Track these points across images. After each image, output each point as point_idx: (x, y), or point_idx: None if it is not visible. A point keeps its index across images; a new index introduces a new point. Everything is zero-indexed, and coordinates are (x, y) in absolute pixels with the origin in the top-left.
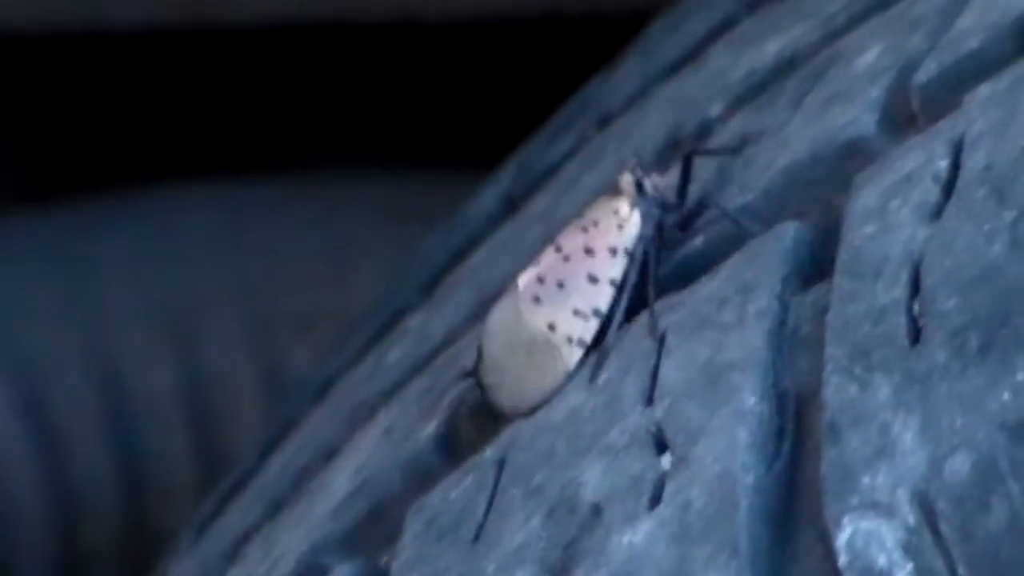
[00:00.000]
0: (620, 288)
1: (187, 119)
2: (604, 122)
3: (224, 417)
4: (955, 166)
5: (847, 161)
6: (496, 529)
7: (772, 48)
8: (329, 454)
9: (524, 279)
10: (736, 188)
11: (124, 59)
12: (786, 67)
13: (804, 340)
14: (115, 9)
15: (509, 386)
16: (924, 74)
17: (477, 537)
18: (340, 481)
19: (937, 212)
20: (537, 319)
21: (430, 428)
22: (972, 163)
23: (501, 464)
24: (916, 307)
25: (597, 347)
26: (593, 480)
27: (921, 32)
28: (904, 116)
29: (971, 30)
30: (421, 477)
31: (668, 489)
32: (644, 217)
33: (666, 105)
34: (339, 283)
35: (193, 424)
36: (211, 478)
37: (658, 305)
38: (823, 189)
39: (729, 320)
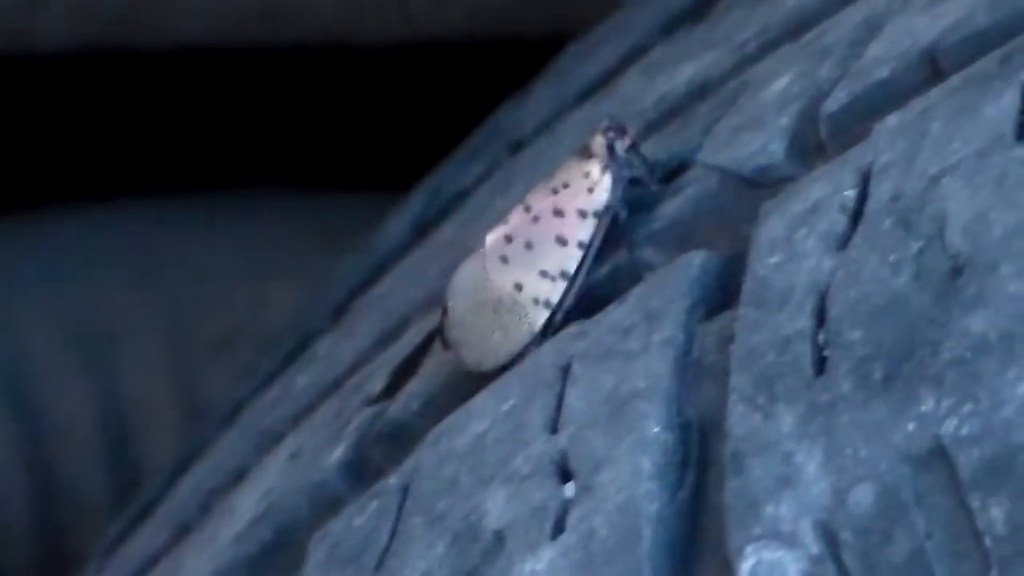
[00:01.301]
0: (587, 250)
1: (107, 140)
2: (516, 148)
3: (142, 439)
4: (862, 196)
5: (755, 189)
6: (399, 557)
7: (684, 75)
8: (237, 478)
9: (491, 237)
10: (644, 215)
11: (46, 80)
12: (697, 94)
13: (709, 369)
14: (40, 30)
15: (474, 344)
16: (834, 103)
17: (380, 565)
18: (246, 505)
19: (844, 242)
20: (504, 278)
21: (336, 454)
22: (879, 193)
23: (405, 491)
24: (821, 337)
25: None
26: (496, 508)
27: (831, 61)
28: (813, 145)
29: (881, 59)
30: (326, 503)
31: (572, 518)
32: (615, 180)
33: (578, 131)
34: (257, 305)
35: (111, 446)
36: (128, 501)
37: (564, 334)
38: (731, 217)
39: (634, 349)
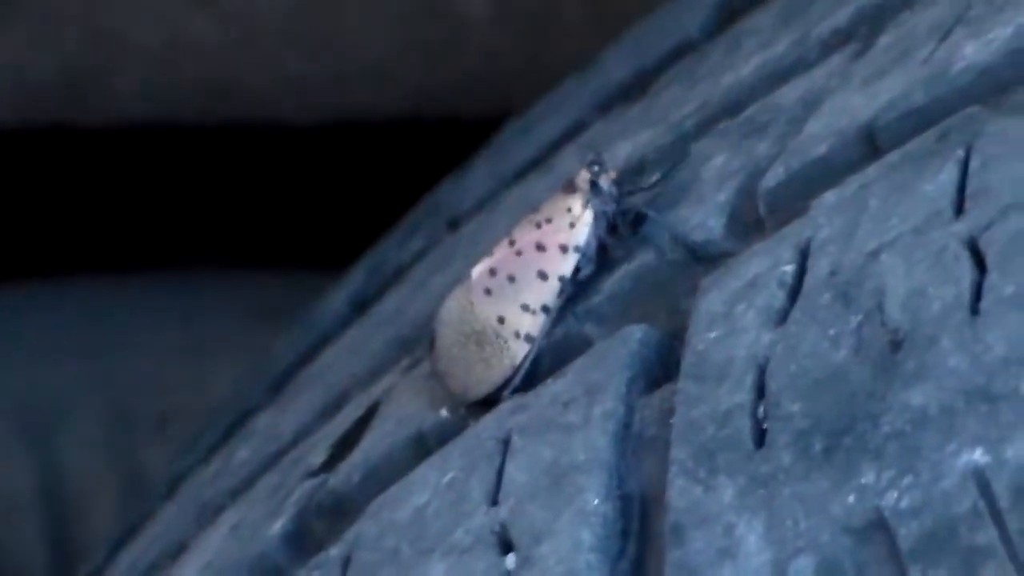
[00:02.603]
0: (567, 284)
1: (47, 218)
2: (454, 224)
3: (81, 515)
4: (801, 271)
5: (694, 264)
6: None
7: (621, 152)
8: (177, 551)
9: (477, 270)
10: (584, 291)
11: None
12: (636, 171)
13: (649, 442)
14: None
15: (459, 375)
16: (772, 179)
17: None
18: None
19: (782, 317)
20: (488, 311)
21: (278, 526)
22: (818, 268)
23: (347, 562)
24: (761, 411)
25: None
26: None
27: (769, 138)
28: (752, 221)
29: (819, 136)
30: (268, 575)
31: None
32: (597, 216)
33: (515, 209)
34: (196, 382)
35: (51, 520)
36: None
37: (503, 407)
38: (670, 292)
39: (575, 421)
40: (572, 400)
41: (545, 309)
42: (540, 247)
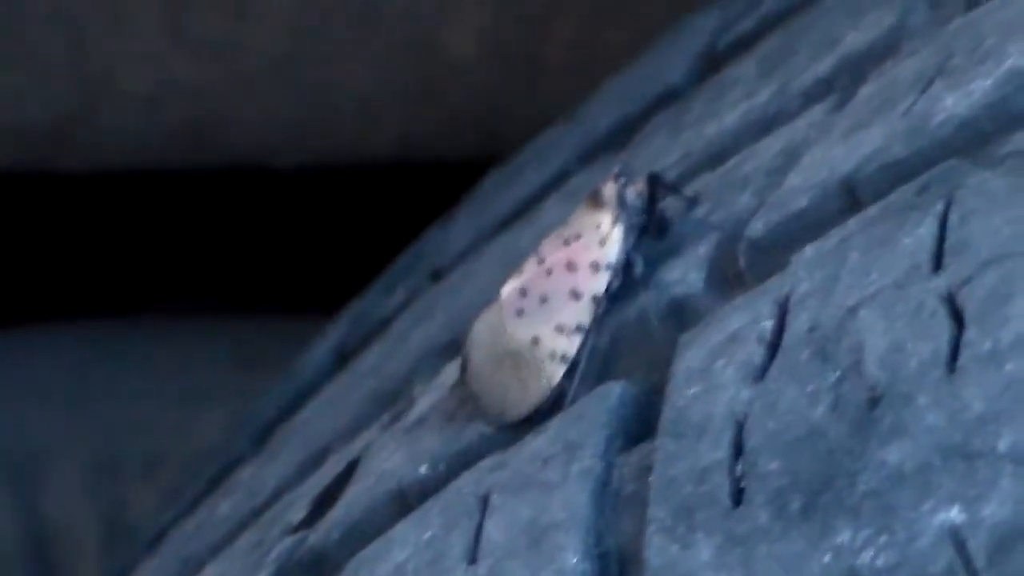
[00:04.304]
0: (601, 302)
1: (34, 264)
2: (436, 275)
3: (66, 562)
4: (780, 326)
5: (674, 319)
6: None
7: None
8: None
9: (507, 290)
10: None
11: None
12: None
13: (628, 500)
14: None
15: (495, 396)
16: (752, 232)
17: None
18: None
19: (761, 373)
20: (521, 332)
21: None
22: (797, 324)
23: None
24: (739, 468)
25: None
26: None
27: (750, 190)
28: (732, 274)
29: (799, 189)
30: None
31: None
32: (627, 230)
33: (498, 260)
34: (183, 429)
35: (34, 569)
36: None
37: (483, 464)
38: (650, 348)
39: (553, 479)
40: (551, 457)
41: (580, 329)
42: (571, 266)
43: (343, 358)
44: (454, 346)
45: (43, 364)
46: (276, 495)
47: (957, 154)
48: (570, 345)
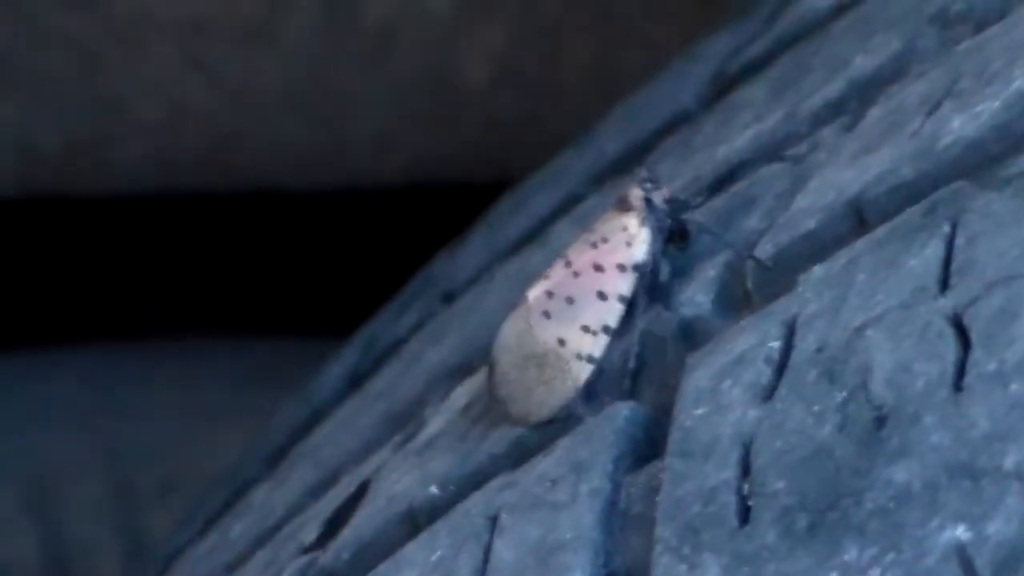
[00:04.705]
0: (629, 304)
1: (49, 287)
2: (449, 298)
3: None
4: (787, 347)
5: (682, 341)
6: None
7: None
8: None
9: (534, 293)
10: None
11: None
12: None
13: (636, 520)
14: None
15: (520, 399)
16: (760, 254)
17: None
18: None
19: (769, 393)
20: (547, 334)
21: None
22: (804, 344)
23: None
24: (746, 488)
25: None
26: None
27: (759, 212)
28: (740, 296)
29: (807, 210)
30: None
31: None
32: (654, 232)
33: (509, 282)
34: (199, 450)
35: None
36: None
37: (491, 484)
38: (658, 368)
39: (562, 499)
40: (560, 478)
41: (606, 329)
42: (598, 267)
43: (356, 380)
44: (465, 368)
45: (60, 387)
46: (288, 516)
47: (964, 176)
48: (596, 346)
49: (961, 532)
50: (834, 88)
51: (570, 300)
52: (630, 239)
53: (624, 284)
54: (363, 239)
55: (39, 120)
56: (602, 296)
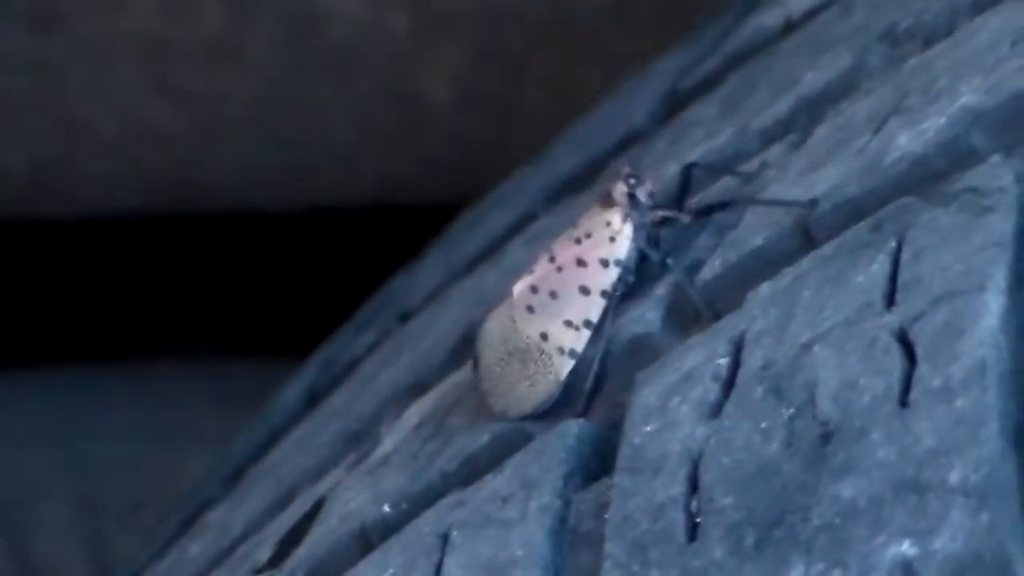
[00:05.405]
0: (610, 298)
1: (15, 309)
2: (405, 317)
3: None
4: (735, 364)
5: (632, 358)
6: None
7: None
8: None
9: (518, 288)
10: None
11: None
12: None
13: (585, 537)
14: None
15: (502, 394)
16: (709, 271)
17: None
18: None
19: (716, 410)
20: (530, 328)
21: None
22: (752, 361)
23: None
24: (694, 504)
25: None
26: None
27: (708, 229)
28: (689, 313)
29: (756, 227)
30: None
31: None
32: (637, 228)
33: (464, 301)
34: (167, 469)
35: None
36: None
37: (443, 502)
38: (608, 386)
39: (512, 517)
40: (510, 495)
41: (588, 324)
42: (581, 262)
43: (313, 399)
44: (419, 387)
45: (27, 407)
46: (244, 536)
47: (910, 192)
48: (578, 340)
49: (907, 547)
50: (784, 105)
51: (553, 295)
52: (614, 234)
53: (607, 279)
54: (329, 259)
55: (3, 142)
56: (584, 291)
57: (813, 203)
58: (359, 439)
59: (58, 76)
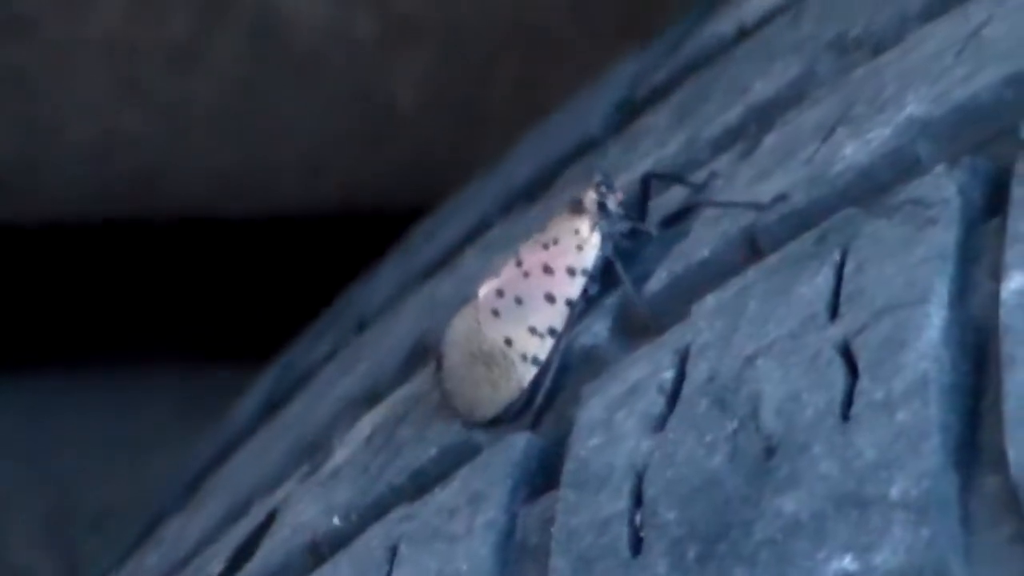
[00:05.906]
0: (574, 307)
1: None
2: (362, 326)
3: None
4: (680, 377)
5: (580, 371)
6: None
7: None
8: None
9: (484, 290)
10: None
11: None
12: None
13: (531, 551)
14: None
15: (466, 396)
16: (656, 283)
17: None
18: None
19: (661, 423)
20: (495, 332)
21: None
22: (696, 374)
23: None
24: (638, 518)
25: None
26: None
27: (655, 240)
28: (637, 325)
29: (702, 239)
30: None
31: None
32: (605, 237)
33: (418, 309)
34: (134, 478)
35: None
36: None
37: (392, 515)
38: (558, 399)
39: (458, 531)
40: (456, 509)
41: (552, 332)
42: (547, 269)
43: (271, 408)
44: (372, 396)
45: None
46: (199, 547)
47: (855, 203)
48: (541, 348)
49: (848, 562)
50: (734, 114)
51: (519, 300)
52: (581, 243)
53: (572, 288)
54: (295, 265)
55: None
56: (550, 299)
57: (781, 197)
58: (313, 450)
59: (26, 80)
